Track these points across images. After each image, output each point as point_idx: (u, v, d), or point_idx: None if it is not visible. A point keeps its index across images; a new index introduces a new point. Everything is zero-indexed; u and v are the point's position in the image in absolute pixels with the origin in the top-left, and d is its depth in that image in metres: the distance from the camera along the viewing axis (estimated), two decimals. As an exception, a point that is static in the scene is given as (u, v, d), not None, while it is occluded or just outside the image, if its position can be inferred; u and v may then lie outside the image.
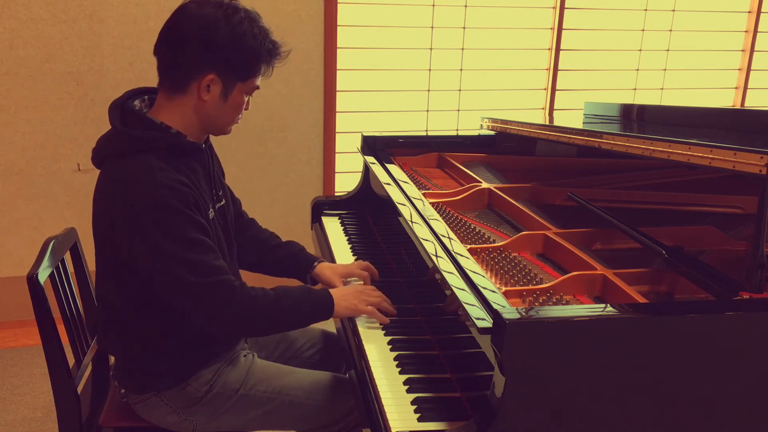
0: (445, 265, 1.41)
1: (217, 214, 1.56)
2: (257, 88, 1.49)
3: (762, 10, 4.03)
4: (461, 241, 1.60)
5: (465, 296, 1.27)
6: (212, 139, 1.61)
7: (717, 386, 1.17)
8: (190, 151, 1.48)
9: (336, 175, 3.56)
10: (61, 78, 3.07)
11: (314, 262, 1.80)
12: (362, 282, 1.74)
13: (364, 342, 1.50)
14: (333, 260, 1.96)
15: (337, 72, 3.43)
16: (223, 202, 1.62)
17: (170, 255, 1.35)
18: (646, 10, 3.87)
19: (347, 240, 2.15)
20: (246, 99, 1.50)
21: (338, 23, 3.38)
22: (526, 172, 2.19)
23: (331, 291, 1.54)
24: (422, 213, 1.72)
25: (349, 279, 1.80)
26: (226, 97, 1.45)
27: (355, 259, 1.95)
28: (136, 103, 1.49)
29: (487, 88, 3.76)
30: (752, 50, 4.08)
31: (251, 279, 1.90)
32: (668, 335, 1.13)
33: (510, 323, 1.06)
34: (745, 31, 4.08)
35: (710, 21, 4.00)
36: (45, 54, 3.03)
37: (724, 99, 4.19)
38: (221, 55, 1.40)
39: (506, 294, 1.36)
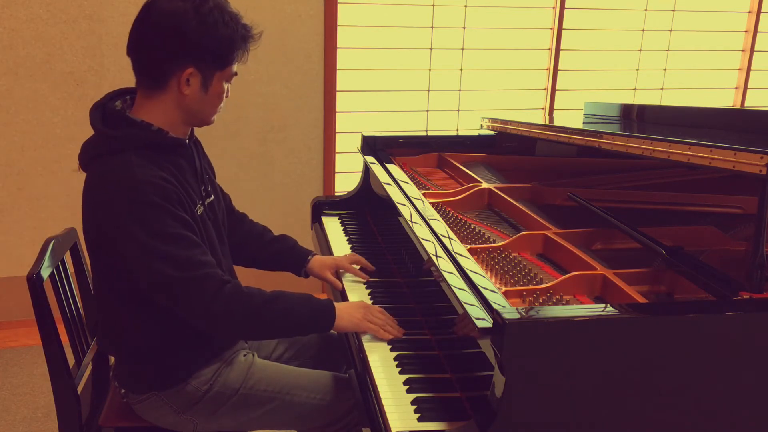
0: (445, 265, 1.41)
1: (206, 210, 1.55)
2: (235, 74, 1.49)
3: (762, 10, 4.02)
4: (461, 241, 1.60)
5: (465, 296, 1.27)
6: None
7: (717, 386, 1.17)
8: (174, 148, 1.47)
9: (336, 175, 3.56)
10: (61, 78, 3.07)
11: (308, 255, 1.84)
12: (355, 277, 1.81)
13: (364, 342, 1.50)
14: (333, 260, 1.96)
15: (337, 72, 3.43)
16: (212, 198, 1.61)
17: (152, 251, 1.34)
18: (646, 10, 3.87)
19: (347, 240, 2.15)
20: (226, 87, 1.49)
21: (338, 23, 3.37)
22: (526, 172, 2.18)
23: (336, 304, 1.51)
24: (422, 213, 1.72)
25: (340, 271, 1.84)
26: (206, 89, 1.44)
27: (354, 259, 1.95)
28: (118, 103, 1.49)
29: (487, 88, 3.76)
30: (752, 50, 4.08)
31: (249, 277, 1.91)
32: (668, 335, 1.13)
33: (510, 323, 1.07)
34: (745, 31, 4.08)
35: (710, 21, 4.00)
36: (45, 54, 3.03)
37: (724, 99, 4.19)
38: (196, 48, 1.39)
39: (506, 294, 1.36)
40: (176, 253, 1.36)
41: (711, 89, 4.14)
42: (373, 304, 1.69)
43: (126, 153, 1.39)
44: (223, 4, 1.43)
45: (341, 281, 1.82)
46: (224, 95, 1.50)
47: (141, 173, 1.36)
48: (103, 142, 1.42)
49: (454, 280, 1.34)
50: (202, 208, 1.52)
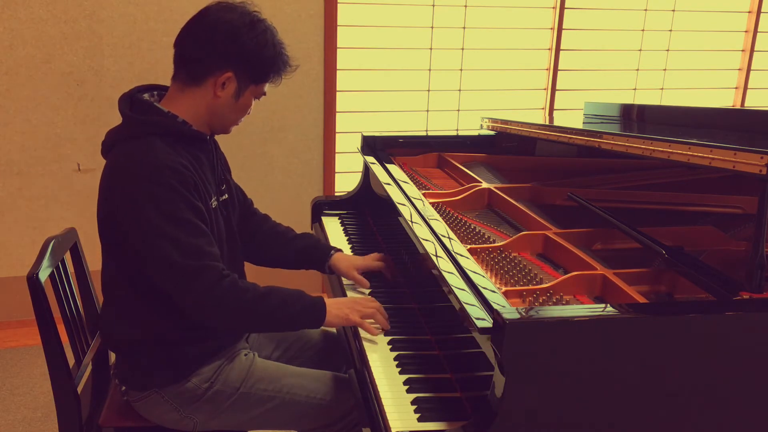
0: (445, 265, 1.41)
1: (220, 206, 1.59)
2: (264, 94, 1.56)
3: (762, 10, 4.02)
4: (461, 241, 1.60)
5: (465, 296, 1.27)
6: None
7: (717, 386, 1.17)
8: (195, 141, 1.52)
9: (336, 175, 3.57)
10: (61, 78, 3.07)
11: (330, 251, 1.85)
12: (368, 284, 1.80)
13: (364, 342, 1.50)
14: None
15: (337, 72, 3.43)
16: (227, 197, 1.64)
17: (162, 232, 1.37)
18: (646, 10, 3.87)
19: (347, 240, 2.15)
20: (253, 103, 1.56)
21: (338, 23, 3.37)
22: (526, 172, 2.19)
23: (327, 300, 1.53)
24: (422, 213, 1.72)
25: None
26: (237, 97, 1.51)
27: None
28: (146, 95, 1.54)
29: (487, 88, 3.76)
30: (752, 50, 4.08)
31: (270, 275, 1.91)
32: (668, 335, 1.13)
33: (510, 323, 1.07)
34: (745, 31, 4.08)
35: (710, 21, 4.00)
36: (45, 54, 3.03)
37: (724, 99, 4.19)
38: (243, 56, 1.47)
39: (506, 294, 1.36)
40: (183, 239, 1.38)
41: (711, 89, 4.14)
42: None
43: (150, 137, 1.44)
44: (274, 31, 1.53)
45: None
46: (248, 110, 1.57)
47: (163, 156, 1.41)
48: (130, 126, 1.47)
49: (454, 280, 1.34)
50: (216, 202, 1.56)
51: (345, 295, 1.75)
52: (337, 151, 3.52)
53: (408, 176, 2.12)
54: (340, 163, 3.56)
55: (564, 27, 3.73)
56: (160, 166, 1.39)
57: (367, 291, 1.78)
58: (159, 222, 1.37)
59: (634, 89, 4.02)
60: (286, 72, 1.56)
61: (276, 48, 1.51)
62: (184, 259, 1.38)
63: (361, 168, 2.42)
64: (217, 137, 1.64)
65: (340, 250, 1.87)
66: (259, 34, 1.47)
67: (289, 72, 1.57)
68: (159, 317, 1.49)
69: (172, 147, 1.45)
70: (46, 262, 1.55)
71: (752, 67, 4.11)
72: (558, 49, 3.76)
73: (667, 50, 3.99)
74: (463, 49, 3.66)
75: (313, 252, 1.86)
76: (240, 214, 1.78)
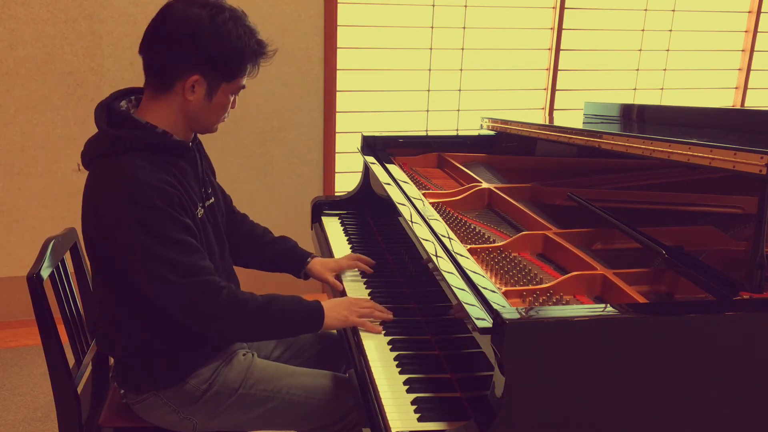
0: (445, 265, 1.41)
1: (206, 212, 1.56)
2: (243, 87, 1.49)
3: (762, 10, 4.03)
4: (461, 241, 1.60)
5: (465, 296, 1.27)
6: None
7: (717, 386, 1.17)
8: (177, 150, 1.48)
9: (336, 175, 3.57)
10: (61, 78, 3.07)
11: (307, 257, 1.83)
12: (358, 274, 1.81)
13: (364, 342, 1.50)
14: (333, 260, 1.96)
15: (337, 72, 3.43)
16: (213, 200, 1.62)
17: (153, 254, 1.35)
18: (646, 10, 3.87)
19: (347, 240, 2.15)
20: (232, 99, 1.49)
21: (338, 23, 3.38)
22: (526, 172, 2.18)
23: (323, 302, 1.53)
24: (422, 213, 1.72)
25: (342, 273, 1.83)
26: (211, 98, 1.45)
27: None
28: (123, 103, 1.49)
29: (487, 88, 3.76)
30: (752, 50, 4.08)
31: (249, 276, 1.90)
32: (668, 335, 1.13)
33: (510, 323, 1.07)
34: (745, 31, 4.08)
35: (710, 21, 4.00)
36: (45, 54, 3.03)
37: (724, 99, 4.19)
38: (205, 56, 1.40)
39: (506, 294, 1.36)
40: (178, 259, 1.37)
41: (711, 89, 4.14)
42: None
43: (129, 155, 1.39)
44: (240, 17, 1.43)
45: (342, 282, 1.82)
46: (230, 106, 1.50)
47: (144, 176, 1.36)
48: (107, 142, 1.42)
49: (454, 280, 1.34)
50: (202, 210, 1.53)
51: (344, 293, 1.75)
52: (337, 151, 3.52)
53: (408, 176, 2.12)
54: (340, 163, 3.56)
55: (564, 27, 3.73)
56: (143, 188, 1.35)
57: (367, 291, 1.78)
58: (150, 245, 1.35)
59: (634, 89, 4.02)
60: (261, 60, 1.47)
61: (243, 38, 1.41)
62: (181, 279, 1.36)
63: (361, 168, 2.42)
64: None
65: (316, 256, 1.85)
66: (219, 27, 1.38)
67: (266, 59, 1.49)
68: (153, 326, 1.48)
69: (153, 162, 1.40)
70: (46, 262, 1.55)
71: (752, 67, 4.11)
72: (558, 49, 3.76)
73: (667, 50, 3.99)
74: (463, 49, 3.66)
75: (288, 258, 1.84)
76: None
